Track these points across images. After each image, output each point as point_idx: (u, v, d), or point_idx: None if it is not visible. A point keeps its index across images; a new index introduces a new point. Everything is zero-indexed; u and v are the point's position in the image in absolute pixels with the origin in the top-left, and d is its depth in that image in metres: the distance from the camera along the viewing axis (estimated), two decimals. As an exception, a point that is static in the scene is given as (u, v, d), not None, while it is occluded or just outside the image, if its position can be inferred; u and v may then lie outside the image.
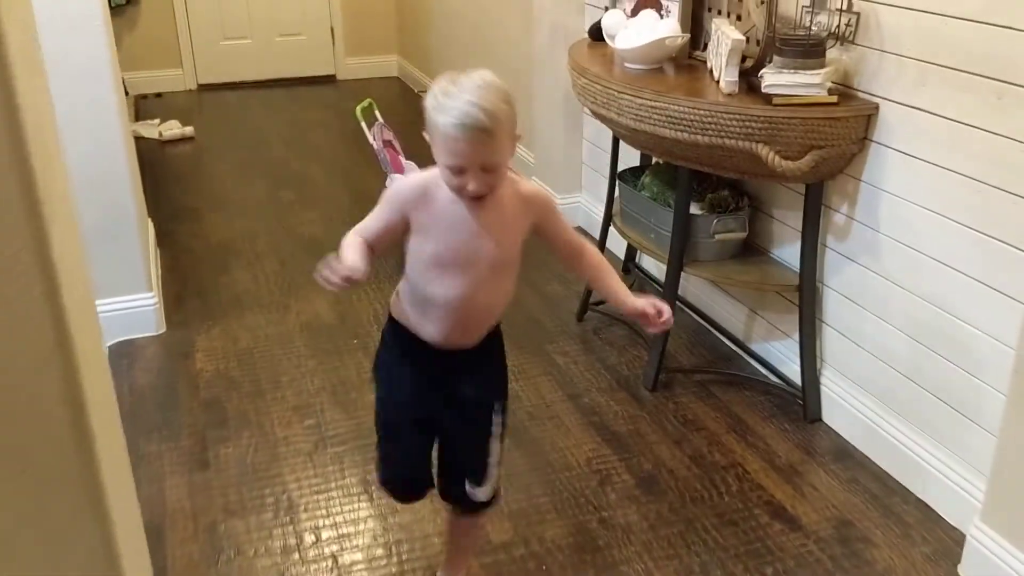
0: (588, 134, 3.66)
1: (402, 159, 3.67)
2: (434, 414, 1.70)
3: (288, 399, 2.60)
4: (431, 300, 1.60)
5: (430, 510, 2.10)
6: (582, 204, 3.76)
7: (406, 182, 1.62)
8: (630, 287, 3.40)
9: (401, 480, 1.81)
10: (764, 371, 2.70)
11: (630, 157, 3.02)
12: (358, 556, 2.02)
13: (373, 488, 2.22)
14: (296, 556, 2.02)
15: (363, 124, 3.65)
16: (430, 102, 1.47)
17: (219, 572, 1.97)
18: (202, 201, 4.14)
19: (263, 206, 4.08)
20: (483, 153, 1.46)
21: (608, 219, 2.98)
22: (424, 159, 1.60)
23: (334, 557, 2.02)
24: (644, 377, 2.69)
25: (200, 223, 3.88)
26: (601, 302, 3.01)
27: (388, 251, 1.60)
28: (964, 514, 2.00)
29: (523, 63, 3.90)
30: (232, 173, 4.52)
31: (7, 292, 0.69)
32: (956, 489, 2.07)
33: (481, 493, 1.74)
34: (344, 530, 2.10)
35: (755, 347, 2.76)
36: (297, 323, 3.04)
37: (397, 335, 1.68)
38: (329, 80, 6.33)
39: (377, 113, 3.73)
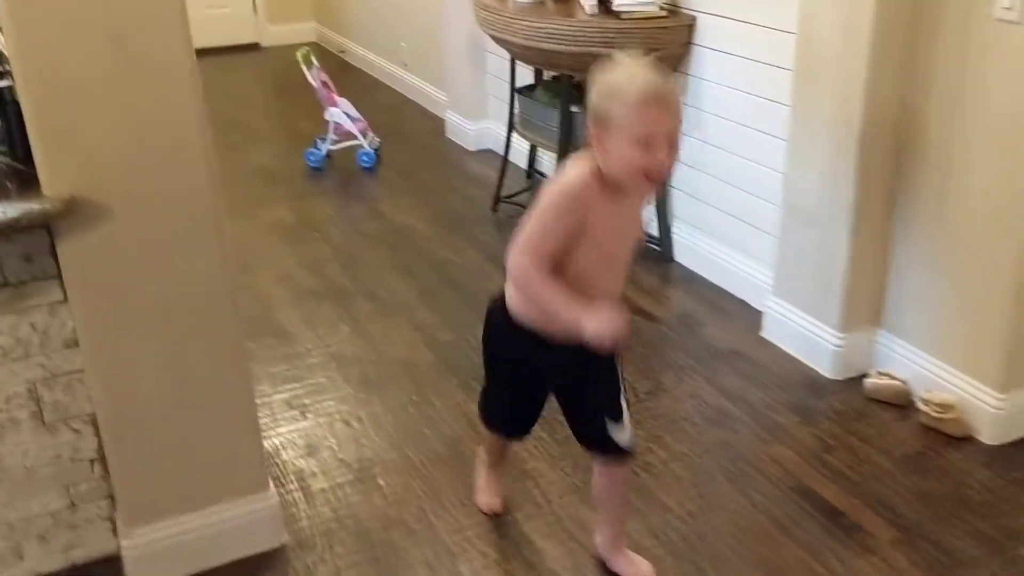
0: (491, 69, 4.45)
1: (335, 96, 4.40)
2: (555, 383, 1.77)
3: (271, 271, 3.33)
4: (592, 299, 1.50)
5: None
6: (490, 128, 4.55)
7: (577, 182, 1.49)
8: (527, 189, 4.17)
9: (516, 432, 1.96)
10: (634, 232, 3.55)
11: (525, 79, 3.82)
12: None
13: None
14: (299, 360, 2.77)
15: (303, 67, 4.37)
16: (601, 95, 1.43)
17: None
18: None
19: (215, 147, 4.71)
20: (672, 123, 1.42)
21: (511, 128, 3.79)
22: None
23: (331, 355, 2.79)
24: (544, 243, 3.51)
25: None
26: (512, 195, 3.82)
27: None
28: (764, 298, 2.88)
29: (432, 16, 4.67)
30: (182, 123, 5.14)
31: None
32: (760, 284, 2.95)
33: (619, 433, 1.73)
34: (324, 330, 2.86)
35: (627, 216, 3.61)
36: (266, 224, 3.76)
37: (520, 332, 1.66)
38: (254, 48, 6.95)
39: (313, 59, 4.45)
